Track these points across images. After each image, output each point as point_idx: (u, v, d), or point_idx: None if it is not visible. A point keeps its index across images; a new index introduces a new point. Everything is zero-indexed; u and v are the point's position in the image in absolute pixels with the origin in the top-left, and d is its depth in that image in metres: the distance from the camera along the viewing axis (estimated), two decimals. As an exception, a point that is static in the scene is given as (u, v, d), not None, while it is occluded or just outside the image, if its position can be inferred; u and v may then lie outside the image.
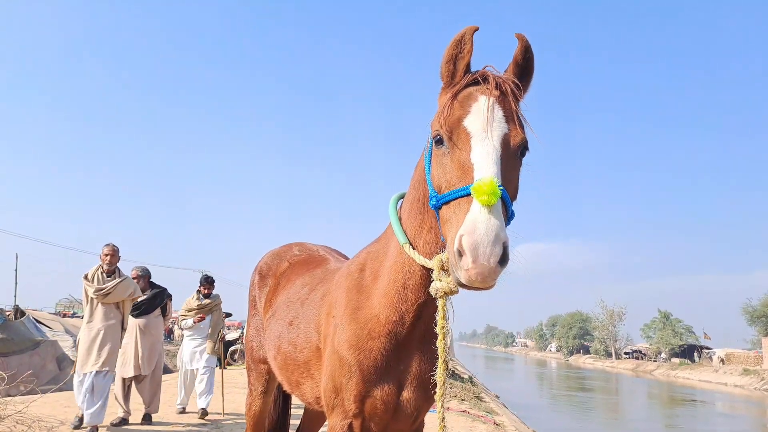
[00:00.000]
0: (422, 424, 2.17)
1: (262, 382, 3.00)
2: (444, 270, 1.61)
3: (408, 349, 1.91)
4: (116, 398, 7.00)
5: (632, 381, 46.38)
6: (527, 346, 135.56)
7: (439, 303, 1.64)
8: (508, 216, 1.48)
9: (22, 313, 13.88)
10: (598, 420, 20.70)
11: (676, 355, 63.04)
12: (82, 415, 6.27)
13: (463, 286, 1.38)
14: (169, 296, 7.93)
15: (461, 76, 1.61)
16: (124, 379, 7.08)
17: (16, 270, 13.99)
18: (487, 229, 1.30)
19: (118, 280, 6.50)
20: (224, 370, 8.12)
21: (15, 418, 5.92)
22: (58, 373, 13.03)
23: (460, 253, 1.33)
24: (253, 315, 3.14)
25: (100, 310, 6.38)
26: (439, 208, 1.52)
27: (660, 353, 66.66)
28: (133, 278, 7.22)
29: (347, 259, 2.99)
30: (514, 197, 1.52)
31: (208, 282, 8.52)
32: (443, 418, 1.60)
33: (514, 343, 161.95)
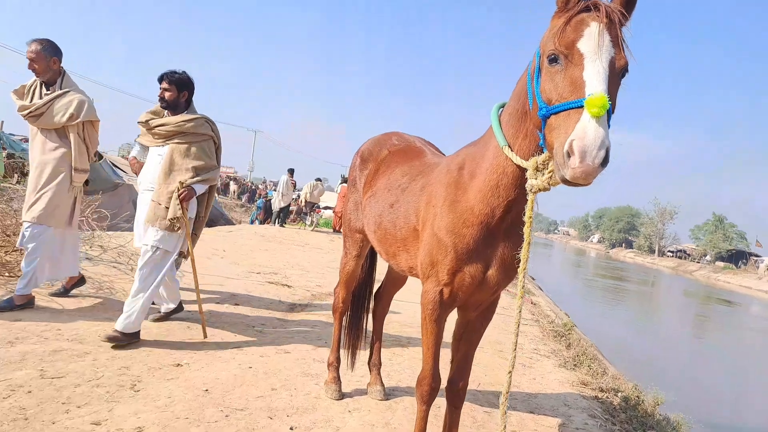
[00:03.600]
0: (498, 297, 2.61)
1: (356, 247, 3.53)
2: (538, 170, 1.91)
3: (495, 237, 2.29)
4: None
5: (670, 278, 46.92)
6: (569, 235, 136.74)
7: (530, 197, 1.95)
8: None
9: (100, 156, 14.76)
10: (626, 306, 21.62)
11: (722, 259, 62.57)
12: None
13: (565, 182, 1.69)
14: None
15: (575, 3, 1.81)
16: None
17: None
18: (596, 136, 1.58)
19: (54, 94, 4.43)
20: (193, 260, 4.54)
21: (117, 251, 6.89)
22: (135, 214, 14.47)
23: (569, 155, 1.62)
24: (352, 192, 3.58)
25: (39, 139, 4.49)
26: (548, 117, 1.76)
27: (705, 255, 66.22)
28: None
29: (439, 151, 3.32)
30: (612, 112, 1.75)
31: (168, 79, 4.36)
32: (523, 286, 2.00)
33: (555, 231, 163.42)
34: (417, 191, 2.73)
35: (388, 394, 3.80)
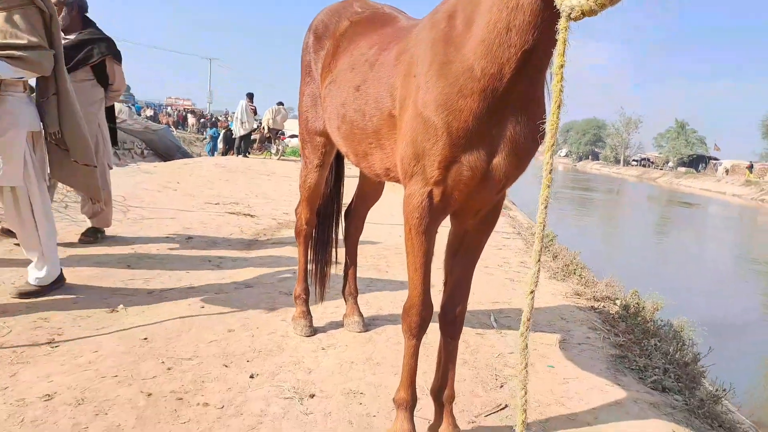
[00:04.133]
0: (503, 197, 2.01)
1: (318, 155, 2.83)
2: None
3: (504, 110, 1.64)
4: None
5: (634, 185, 47.78)
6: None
7: (562, 33, 1.29)
8: None
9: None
10: (594, 215, 21.80)
11: (683, 165, 63.94)
12: None
13: None
14: (113, 53, 4.38)
15: None
16: None
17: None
18: None
19: None
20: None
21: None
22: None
23: None
24: (307, 83, 2.83)
25: None
26: None
27: (668, 162, 67.57)
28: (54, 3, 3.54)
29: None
30: None
31: None
32: (550, 170, 1.38)
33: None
34: (390, 62, 2.02)
35: (368, 324, 3.28)
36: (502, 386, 2.76)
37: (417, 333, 1.99)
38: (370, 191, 3.17)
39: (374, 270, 4.67)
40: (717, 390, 3.05)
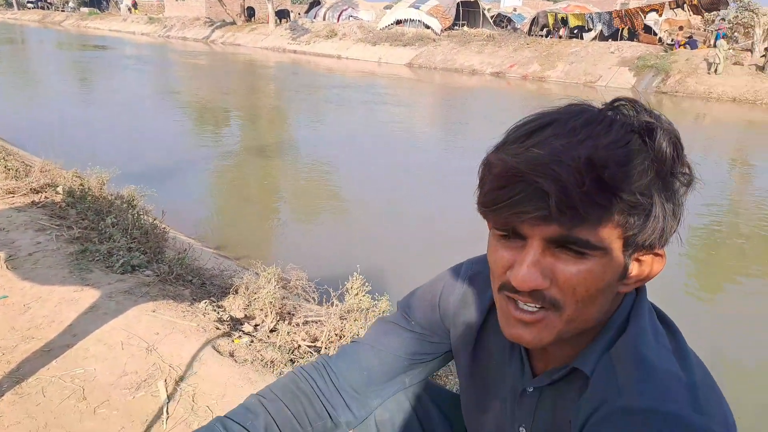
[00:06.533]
0: None
1: None
2: None
3: None
4: None
5: (40, 32, 42.51)
6: None
7: None
8: None
9: None
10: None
11: (85, 5, 60.37)
12: None
13: None
14: None
15: None
16: None
17: None
18: None
19: None
20: None
21: None
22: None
23: None
24: None
25: None
26: None
27: (68, 3, 62.26)
28: None
29: None
30: None
31: None
32: None
33: None
34: None
35: None
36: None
37: None
38: None
39: None
40: (179, 253, 3.31)
